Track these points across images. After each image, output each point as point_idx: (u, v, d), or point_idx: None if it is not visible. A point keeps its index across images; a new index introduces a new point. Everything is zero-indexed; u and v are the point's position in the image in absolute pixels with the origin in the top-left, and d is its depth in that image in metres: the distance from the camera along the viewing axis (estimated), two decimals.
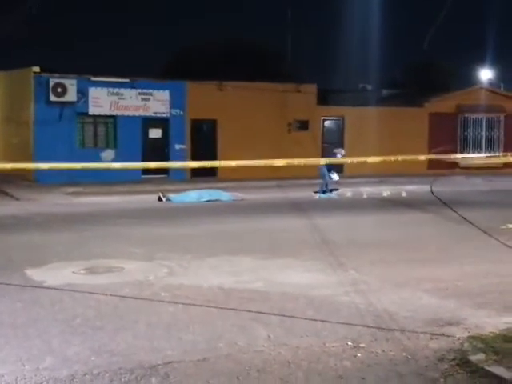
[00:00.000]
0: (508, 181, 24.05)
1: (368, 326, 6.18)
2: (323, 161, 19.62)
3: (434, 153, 27.38)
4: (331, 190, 19.99)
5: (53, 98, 23.89)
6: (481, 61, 42.79)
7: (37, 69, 24.02)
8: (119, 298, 7.27)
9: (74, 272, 8.69)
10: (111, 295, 7.38)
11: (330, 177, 19.67)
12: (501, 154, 30.15)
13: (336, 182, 20.10)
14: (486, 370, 4.95)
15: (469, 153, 31.96)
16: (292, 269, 8.93)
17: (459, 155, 28.60)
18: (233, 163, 10.16)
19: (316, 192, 19.75)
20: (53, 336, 5.94)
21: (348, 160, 19.27)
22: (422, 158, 19.98)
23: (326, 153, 23.38)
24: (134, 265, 9.16)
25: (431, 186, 20.52)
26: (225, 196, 18.68)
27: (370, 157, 16.19)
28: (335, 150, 20.42)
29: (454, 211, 13.96)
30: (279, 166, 23.92)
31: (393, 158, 11.81)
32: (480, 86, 36.08)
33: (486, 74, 43.82)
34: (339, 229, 12.72)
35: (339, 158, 19.94)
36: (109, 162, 24.59)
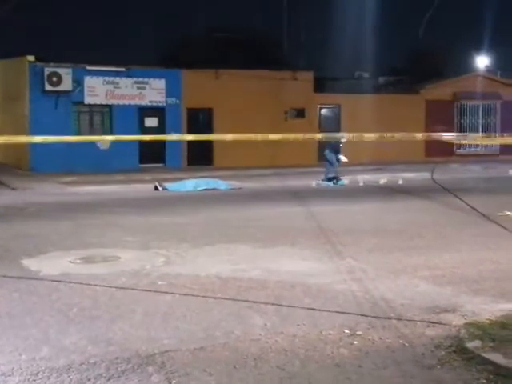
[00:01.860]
0: (504, 168, 24.05)
1: (365, 314, 6.17)
2: (319, 136, 19.46)
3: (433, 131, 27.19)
4: (329, 179, 19.81)
5: (48, 87, 23.81)
6: (478, 48, 42.70)
7: (32, 58, 23.93)
8: (116, 288, 7.26)
9: (70, 261, 8.68)
10: (108, 285, 7.37)
11: (338, 160, 19.66)
12: (497, 135, 30.06)
13: (343, 163, 20.06)
14: (482, 356, 4.95)
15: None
16: (289, 257, 8.93)
17: (456, 134, 28.43)
18: (228, 136, 10.25)
19: (323, 180, 19.64)
20: (49, 326, 5.94)
21: (345, 134, 19.16)
22: (419, 135, 19.90)
23: (326, 141, 22.60)
24: (130, 254, 9.15)
25: (432, 174, 20.54)
26: (222, 185, 18.66)
27: (367, 133, 16.17)
28: (337, 135, 20.25)
29: (458, 197, 13.96)
30: (276, 155, 23.93)
31: (389, 135, 11.81)
32: (477, 72, 36.04)
33: (482, 61, 43.74)
34: (336, 217, 12.72)
35: (343, 141, 19.78)
36: (105, 149, 24.57)
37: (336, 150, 19.69)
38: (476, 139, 28.11)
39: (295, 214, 13.00)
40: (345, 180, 19.82)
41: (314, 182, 19.60)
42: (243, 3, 52.00)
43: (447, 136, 21.53)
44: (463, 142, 28.11)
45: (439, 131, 25.48)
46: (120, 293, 7.07)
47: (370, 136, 11.07)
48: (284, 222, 12.14)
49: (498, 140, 27.57)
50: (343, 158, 19.83)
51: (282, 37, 35.01)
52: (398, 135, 11.94)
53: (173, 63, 29.14)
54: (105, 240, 10.27)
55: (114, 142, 25.20)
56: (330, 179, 19.83)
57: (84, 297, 6.90)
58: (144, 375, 4.83)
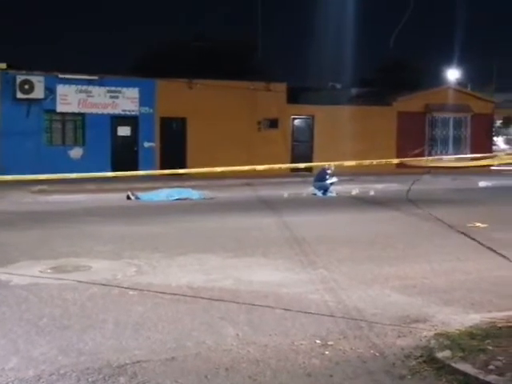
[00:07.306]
0: (474, 179, 24.37)
1: (336, 324, 6.20)
2: (302, 165, 19.51)
3: (411, 156, 27.58)
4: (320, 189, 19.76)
5: (20, 95, 23.62)
6: (449, 60, 43.32)
7: (3, 65, 23.73)
8: (87, 297, 7.20)
9: (40, 271, 8.58)
10: (78, 294, 7.31)
11: (330, 184, 19.62)
12: (469, 156, 30.56)
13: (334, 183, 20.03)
14: (452, 366, 4.99)
15: (436, 152, 32.39)
16: (262, 267, 8.93)
17: (431, 158, 28.88)
18: (204, 170, 10.21)
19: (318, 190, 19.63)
20: (19, 336, 5.86)
21: (326, 164, 19.24)
22: (395, 161, 20.34)
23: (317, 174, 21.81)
24: (102, 263, 9.08)
25: (410, 187, 20.60)
26: (194, 194, 18.63)
27: (346, 161, 16.36)
28: (325, 167, 19.88)
29: (427, 209, 14.07)
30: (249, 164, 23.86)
31: (367, 162, 12.02)
32: (448, 85, 36.56)
33: (453, 74, 44.38)
34: (309, 227, 12.76)
35: (329, 172, 19.74)
36: (77, 160, 24.44)
37: (323, 178, 19.66)
38: (450, 162, 28.57)
39: (268, 224, 13.02)
40: (334, 192, 19.69)
41: (304, 192, 19.55)
42: (218, 13, 52.21)
43: (422, 160, 21.97)
44: (437, 164, 28.51)
45: (413, 152, 25.80)
46: (91, 302, 7.01)
47: (351, 163, 11.30)
48: (257, 232, 12.15)
49: (469, 163, 28.02)
50: (334, 179, 19.82)
51: (257, 47, 35.16)
52: (375, 162, 12.17)
53: (146, 72, 29.10)
54: (76, 249, 10.18)
55: (85, 150, 25.08)
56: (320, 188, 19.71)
57: (54, 306, 6.83)
58: None
